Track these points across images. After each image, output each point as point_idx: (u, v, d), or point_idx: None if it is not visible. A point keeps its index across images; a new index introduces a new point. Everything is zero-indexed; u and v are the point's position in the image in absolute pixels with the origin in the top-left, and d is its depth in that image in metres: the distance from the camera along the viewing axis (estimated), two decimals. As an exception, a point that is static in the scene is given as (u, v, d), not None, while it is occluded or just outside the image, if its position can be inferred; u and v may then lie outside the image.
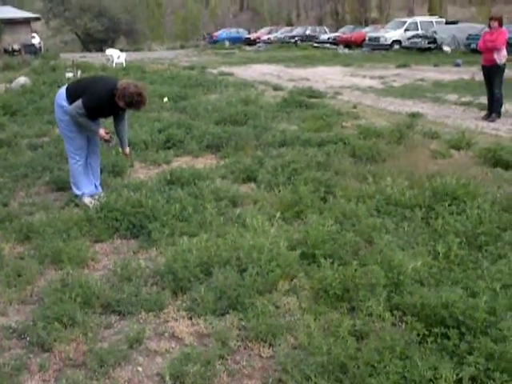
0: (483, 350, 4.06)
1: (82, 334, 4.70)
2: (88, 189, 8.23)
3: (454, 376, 3.84)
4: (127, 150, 8.61)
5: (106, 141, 8.19)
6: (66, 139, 8.26)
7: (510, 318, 4.45)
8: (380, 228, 6.58)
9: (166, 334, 4.80)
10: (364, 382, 3.91)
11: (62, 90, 8.19)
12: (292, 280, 5.59)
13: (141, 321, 5.00)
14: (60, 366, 4.37)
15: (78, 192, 8.21)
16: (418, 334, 4.41)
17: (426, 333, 4.42)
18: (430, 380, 3.83)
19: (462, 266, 5.61)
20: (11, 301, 5.42)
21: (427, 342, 4.30)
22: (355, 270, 5.26)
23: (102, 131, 8.11)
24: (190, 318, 5.01)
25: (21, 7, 67.29)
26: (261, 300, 5.07)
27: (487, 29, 15.51)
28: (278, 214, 6.87)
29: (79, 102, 7.76)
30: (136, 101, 7.77)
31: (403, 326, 4.67)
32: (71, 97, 7.93)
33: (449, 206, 7.03)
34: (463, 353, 4.11)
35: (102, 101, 7.85)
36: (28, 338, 4.73)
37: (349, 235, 6.24)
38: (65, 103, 7.97)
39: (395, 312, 4.79)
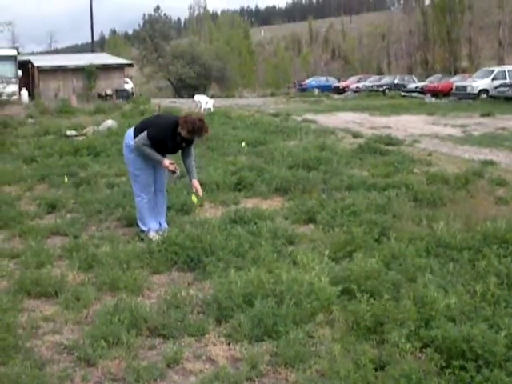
0: (494, 381, 4.27)
1: (126, 353, 5.10)
2: (153, 225, 8.70)
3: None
4: (195, 181, 8.81)
5: (172, 171, 8.62)
6: (132, 178, 8.81)
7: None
8: (425, 268, 6.77)
9: (204, 357, 5.15)
10: (376, 405, 4.18)
11: (130, 131, 8.75)
12: (331, 313, 5.86)
13: (182, 344, 5.37)
14: (101, 380, 4.79)
15: (144, 227, 8.70)
16: (437, 365, 4.63)
17: (445, 364, 4.64)
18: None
19: (496, 305, 5.78)
20: (67, 321, 5.91)
21: (445, 373, 4.52)
22: (388, 305, 5.51)
23: (166, 161, 8.52)
24: (228, 344, 5.36)
25: (117, 54, 69.76)
26: (295, 329, 5.38)
27: None
28: (327, 252, 7.19)
29: (144, 134, 8.36)
30: (198, 127, 8.25)
31: (423, 358, 4.89)
32: (138, 135, 8.46)
33: (497, 248, 7.16)
34: (477, 384, 4.32)
35: (165, 132, 8.39)
36: (76, 354, 5.16)
37: (391, 273, 6.51)
38: (132, 142, 8.51)
39: (418, 344, 5.00)
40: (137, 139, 8.41)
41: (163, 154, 8.65)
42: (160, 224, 8.81)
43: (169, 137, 8.41)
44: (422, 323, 5.34)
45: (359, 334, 5.38)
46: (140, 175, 8.62)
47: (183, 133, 8.33)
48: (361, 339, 5.29)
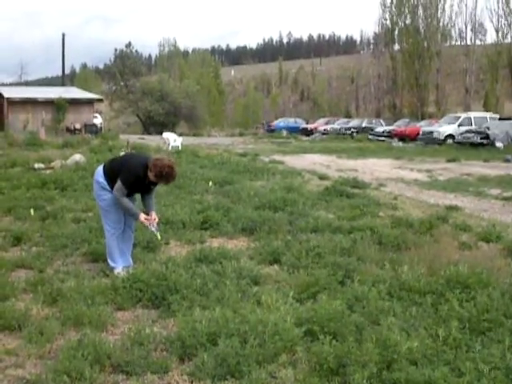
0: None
1: (88, 389, 5.09)
2: (123, 260, 8.72)
3: None
4: (153, 213, 8.83)
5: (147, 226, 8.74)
6: (102, 213, 8.83)
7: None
8: (388, 311, 6.84)
9: (166, 395, 5.16)
10: None
11: (100, 168, 8.80)
12: (294, 354, 5.90)
13: (145, 381, 5.36)
14: (63, 415, 4.75)
15: (113, 264, 8.69)
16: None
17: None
18: None
19: (458, 349, 5.85)
20: (30, 355, 5.86)
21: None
22: (351, 347, 5.56)
23: (142, 216, 8.59)
24: (191, 382, 5.37)
25: (87, 88, 69.82)
26: (259, 369, 5.39)
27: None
28: (291, 293, 7.24)
29: (119, 183, 8.34)
30: (166, 173, 8.28)
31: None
32: (107, 174, 8.54)
33: (459, 293, 7.25)
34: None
35: (138, 174, 8.41)
36: (38, 389, 5.13)
37: (354, 316, 6.57)
38: (101, 179, 8.58)
39: (381, 386, 5.06)
40: (114, 192, 8.43)
41: (133, 193, 8.77)
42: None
43: (141, 178, 8.45)
44: (384, 366, 5.39)
45: (322, 375, 5.41)
46: (110, 212, 8.66)
47: (151, 175, 8.37)
48: (323, 380, 5.32)
